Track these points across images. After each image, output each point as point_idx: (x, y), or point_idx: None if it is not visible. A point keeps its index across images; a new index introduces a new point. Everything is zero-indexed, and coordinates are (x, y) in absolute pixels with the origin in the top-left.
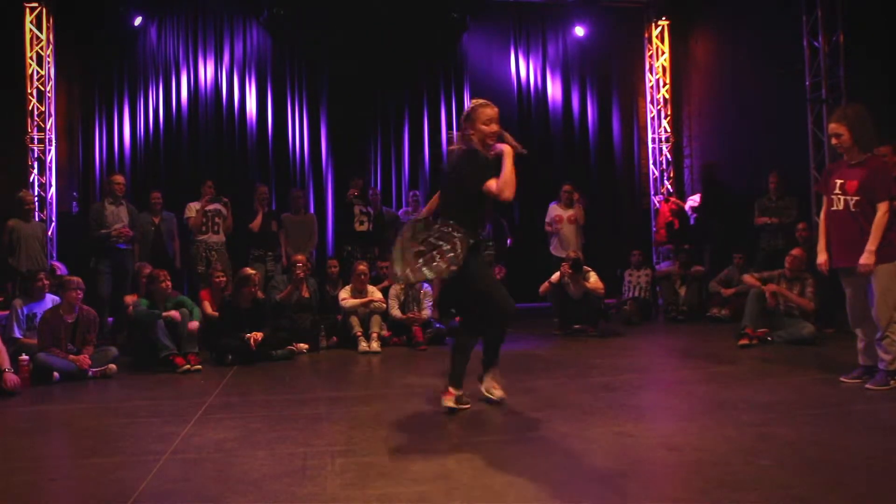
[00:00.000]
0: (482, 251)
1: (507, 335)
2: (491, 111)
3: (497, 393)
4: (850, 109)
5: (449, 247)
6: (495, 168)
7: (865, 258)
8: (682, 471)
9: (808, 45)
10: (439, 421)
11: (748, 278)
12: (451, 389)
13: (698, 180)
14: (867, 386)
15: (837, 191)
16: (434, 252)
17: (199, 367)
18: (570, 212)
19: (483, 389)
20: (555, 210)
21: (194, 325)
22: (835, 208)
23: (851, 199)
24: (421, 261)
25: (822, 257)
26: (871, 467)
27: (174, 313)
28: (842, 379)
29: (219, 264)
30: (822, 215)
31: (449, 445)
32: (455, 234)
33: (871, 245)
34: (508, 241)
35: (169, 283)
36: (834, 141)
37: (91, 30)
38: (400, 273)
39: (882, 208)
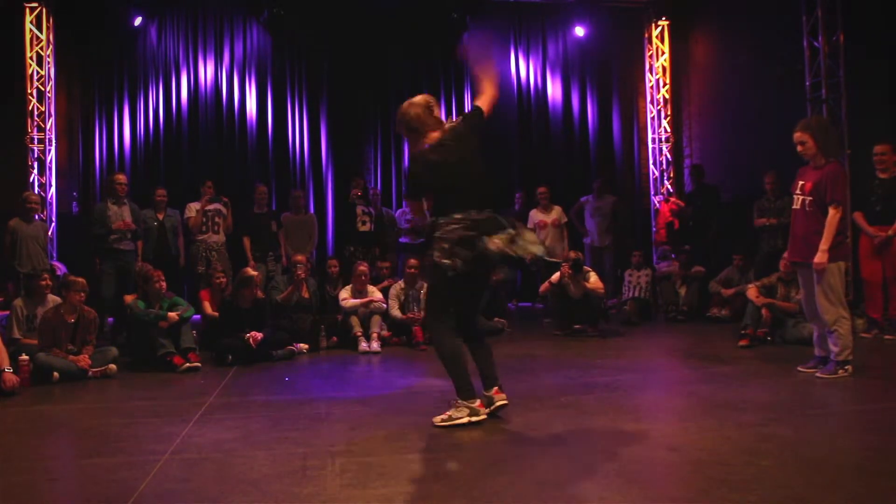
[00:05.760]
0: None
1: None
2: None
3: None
4: (814, 119)
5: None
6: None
7: (819, 257)
8: (682, 471)
9: (808, 45)
10: None
11: (752, 293)
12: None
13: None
14: (818, 374)
15: (798, 191)
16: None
17: (199, 364)
18: (553, 216)
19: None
20: (536, 216)
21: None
22: (795, 207)
23: (807, 199)
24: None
25: (786, 254)
26: (871, 467)
27: (172, 315)
28: (798, 368)
29: (219, 264)
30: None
31: (449, 445)
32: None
33: (824, 244)
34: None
35: (163, 283)
36: (799, 148)
37: (91, 30)
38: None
39: (832, 210)
